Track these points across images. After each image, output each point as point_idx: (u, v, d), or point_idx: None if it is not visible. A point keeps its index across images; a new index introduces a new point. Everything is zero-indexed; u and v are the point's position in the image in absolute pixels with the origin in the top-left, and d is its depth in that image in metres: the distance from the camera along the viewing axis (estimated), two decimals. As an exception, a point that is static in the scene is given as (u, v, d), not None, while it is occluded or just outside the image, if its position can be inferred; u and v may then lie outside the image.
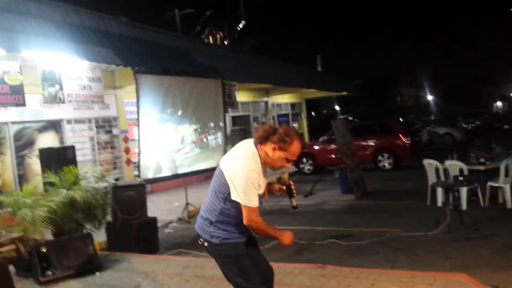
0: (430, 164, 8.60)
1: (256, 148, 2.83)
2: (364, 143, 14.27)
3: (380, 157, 14.25)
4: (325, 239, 6.78)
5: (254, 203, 2.76)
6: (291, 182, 3.07)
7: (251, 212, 2.76)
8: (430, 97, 55.48)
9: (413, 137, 14.88)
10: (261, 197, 2.90)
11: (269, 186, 3.04)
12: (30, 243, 5.03)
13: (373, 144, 14.40)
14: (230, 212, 2.85)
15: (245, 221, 2.79)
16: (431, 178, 8.56)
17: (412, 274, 4.52)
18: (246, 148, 2.86)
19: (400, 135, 14.24)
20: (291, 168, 2.54)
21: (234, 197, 2.76)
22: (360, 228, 7.35)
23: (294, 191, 3.04)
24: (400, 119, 19.40)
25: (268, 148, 2.81)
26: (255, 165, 2.77)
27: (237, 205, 2.79)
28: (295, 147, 2.80)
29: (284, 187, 3.05)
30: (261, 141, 2.83)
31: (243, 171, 2.74)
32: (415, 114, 35.66)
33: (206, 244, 2.94)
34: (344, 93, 25.60)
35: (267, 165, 2.89)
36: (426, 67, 47.21)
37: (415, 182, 10.48)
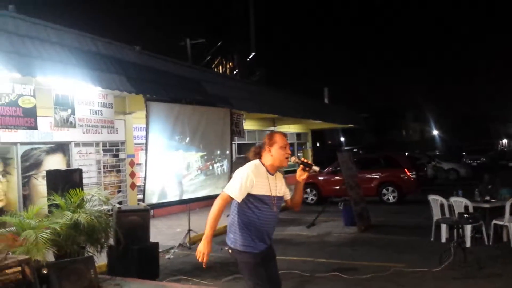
0: (435, 200, 8.59)
1: (260, 162, 3.56)
2: (369, 176, 14.29)
3: (384, 191, 14.24)
4: (328, 271, 6.73)
5: (229, 191, 3.43)
6: (301, 159, 3.62)
7: (220, 195, 3.44)
8: (435, 132, 55.59)
9: (418, 172, 14.88)
10: (280, 198, 3.58)
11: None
12: (33, 264, 5.05)
13: (378, 177, 14.41)
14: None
15: None
16: (436, 214, 8.53)
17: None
18: (250, 162, 3.56)
19: (405, 169, 14.25)
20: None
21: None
22: (363, 262, 7.29)
23: (309, 162, 3.60)
24: (406, 153, 19.39)
25: (266, 154, 3.56)
26: (256, 170, 3.48)
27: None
28: (278, 137, 3.56)
29: (301, 165, 3.58)
30: (258, 156, 3.59)
31: (238, 172, 3.50)
32: (420, 149, 35.63)
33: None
34: (351, 125, 25.72)
35: (278, 166, 3.56)
36: (432, 102, 47.65)
37: (419, 217, 10.43)
